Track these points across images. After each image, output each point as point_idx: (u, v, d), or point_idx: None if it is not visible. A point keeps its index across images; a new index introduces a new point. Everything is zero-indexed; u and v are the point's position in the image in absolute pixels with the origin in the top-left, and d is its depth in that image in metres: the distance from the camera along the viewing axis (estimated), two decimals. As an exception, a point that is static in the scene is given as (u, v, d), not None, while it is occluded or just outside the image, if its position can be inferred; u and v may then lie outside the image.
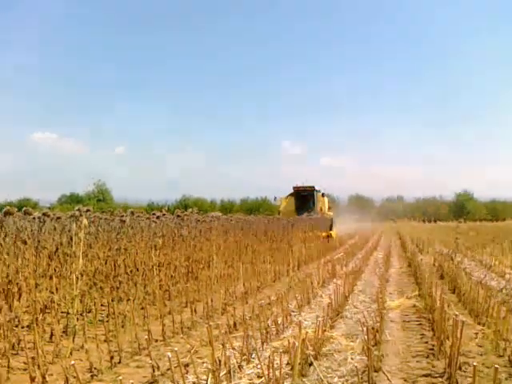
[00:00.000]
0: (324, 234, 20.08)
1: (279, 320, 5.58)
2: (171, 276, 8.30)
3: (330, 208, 26.58)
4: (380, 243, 21.56)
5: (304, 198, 23.98)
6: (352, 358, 4.48)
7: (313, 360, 4.31)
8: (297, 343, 4.00)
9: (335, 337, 5.09)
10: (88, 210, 8.00)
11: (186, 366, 4.26)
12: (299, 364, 3.99)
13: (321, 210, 24.20)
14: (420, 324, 5.91)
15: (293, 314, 6.25)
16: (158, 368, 4.21)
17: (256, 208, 58.07)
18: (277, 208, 26.23)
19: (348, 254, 13.81)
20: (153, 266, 8.05)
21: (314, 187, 23.91)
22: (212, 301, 6.69)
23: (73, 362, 3.60)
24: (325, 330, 5.00)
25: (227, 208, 57.64)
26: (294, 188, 24.22)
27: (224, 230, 12.52)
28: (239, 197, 65.42)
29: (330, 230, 21.65)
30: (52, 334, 5.19)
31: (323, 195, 24.60)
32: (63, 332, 5.39)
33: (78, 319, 5.58)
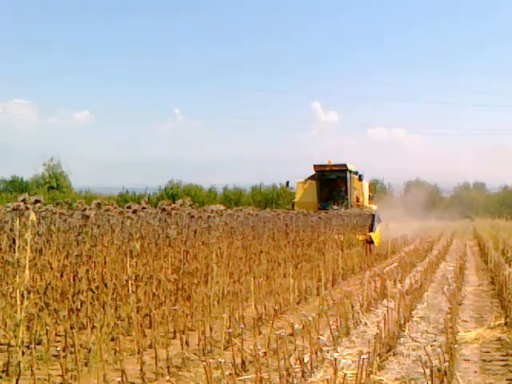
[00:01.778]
0: (361, 237, 19.51)
1: (306, 358, 5.60)
2: (153, 294, 8.35)
3: (371, 197, 25.78)
4: (450, 250, 21.54)
5: (331, 182, 23.32)
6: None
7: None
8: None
9: (384, 382, 5.10)
10: (37, 202, 8.05)
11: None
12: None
13: (357, 200, 23.51)
14: (506, 365, 5.90)
15: (325, 349, 6.27)
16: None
17: (273, 199, 58.13)
18: (290, 197, 25.78)
19: (404, 264, 13.79)
20: (127, 281, 8.10)
21: (346, 166, 22.90)
22: (211, 330, 6.73)
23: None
24: (371, 373, 5.02)
25: (232, 199, 57.83)
26: (315, 168, 23.31)
27: (228, 229, 12.56)
28: (249, 183, 65.53)
29: (370, 231, 20.87)
30: (-13, 375, 5.27)
31: (361, 178, 23.39)
32: (3, 371, 5.46)
33: (23, 353, 5.64)
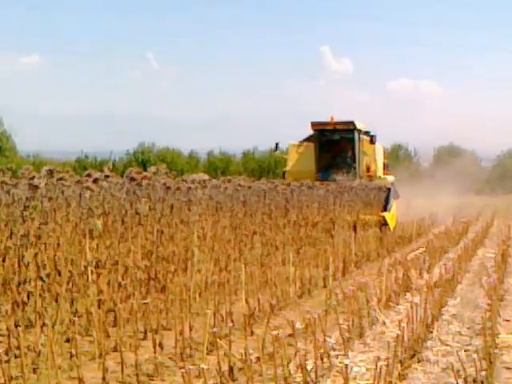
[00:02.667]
0: (371, 217, 19.24)
1: (309, 364, 5.63)
2: (119, 285, 8.37)
3: (387, 166, 25.14)
4: (490, 233, 21.64)
5: (334, 145, 22.59)
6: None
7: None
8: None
9: (408, 394, 5.14)
10: (-28, 168, 8.04)
11: None
12: None
13: (367, 169, 22.82)
14: (558, 375, 5.94)
15: (333, 353, 6.30)
16: None
17: (269, 167, 58.11)
18: (281, 164, 24.84)
19: (432, 250, 13.85)
20: (86, 268, 8.11)
21: (353, 124, 22.06)
22: (191, 329, 6.75)
23: None
24: (390, 383, 5.05)
25: (218, 167, 57.86)
26: (313, 126, 22.58)
27: (213, 205, 12.56)
28: (240, 148, 65.41)
29: (384, 210, 20.33)
30: None
31: (373, 140, 22.59)
32: None
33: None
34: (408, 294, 9.49)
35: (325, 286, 10.26)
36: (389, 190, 21.14)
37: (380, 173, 23.38)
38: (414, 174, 35.85)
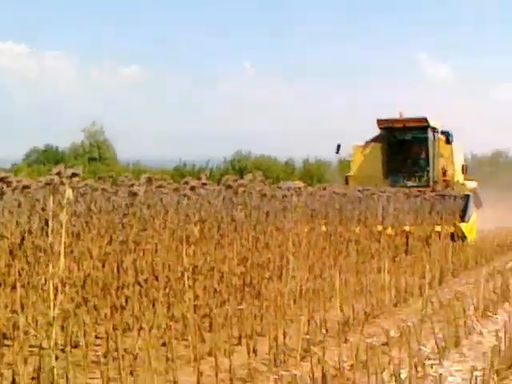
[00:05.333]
0: (445, 229, 16.82)
1: (403, 373, 5.58)
2: (215, 290, 8.45)
3: (465, 169, 21.93)
4: None
5: (404, 146, 20.48)
6: None
7: None
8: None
9: (504, 406, 5.05)
10: (74, 175, 8.21)
11: None
12: None
13: (444, 173, 20.36)
14: None
15: (428, 362, 6.23)
16: None
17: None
18: (343, 168, 22.53)
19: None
20: (183, 273, 8.22)
21: (426, 120, 19.93)
22: (285, 335, 6.76)
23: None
24: (486, 394, 4.97)
25: (315, 174, 57.63)
26: (379, 123, 20.46)
27: (308, 212, 12.57)
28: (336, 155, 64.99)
29: (462, 220, 17.92)
30: (13, 382, 5.45)
31: (449, 140, 20.50)
32: (33, 379, 5.64)
33: (57, 358, 5.81)
34: (506, 303, 9.29)
35: (421, 295, 10.12)
36: (467, 197, 18.86)
37: (459, 177, 20.99)
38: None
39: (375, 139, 20.86)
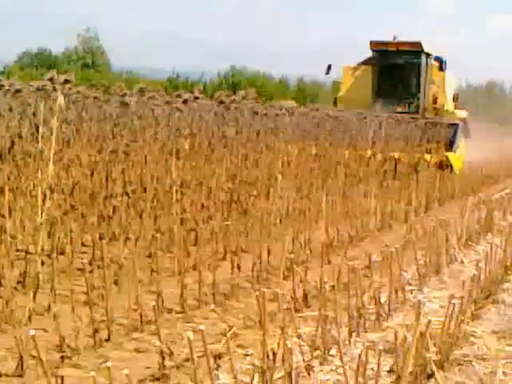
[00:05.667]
0: (433, 158, 16.49)
1: (383, 297, 5.66)
2: (202, 205, 8.50)
3: (456, 98, 21.40)
4: None
5: (396, 70, 19.76)
6: (504, 373, 4.53)
7: (435, 369, 4.38)
8: (410, 338, 4.07)
9: (479, 334, 5.13)
10: (67, 82, 8.13)
11: (217, 357, 4.46)
12: (410, 374, 4.08)
13: (434, 101, 19.99)
14: None
15: (408, 288, 6.32)
16: (171, 355, 4.43)
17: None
18: (332, 89, 21.73)
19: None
20: (171, 186, 8.24)
21: (420, 45, 19.33)
22: (269, 253, 6.84)
23: (32, 333, 3.83)
24: (462, 322, 5.04)
25: (308, 95, 57.22)
26: (372, 45, 19.83)
27: (300, 133, 12.56)
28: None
29: (450, 150, 17.33)
30: (0, 285, 5.51)
31: (442, 67, 19.99)
32: (18, 283, 5.71)
33: (43, 263, 5.87)
34: (489, 234, 9.36)
35: (405, 221, 10.20)
36: (456, 126, 18.11)
37: (449, 106, 20.40)
38: (510, 114, 34.57)
39: (367, 61, 20.41)
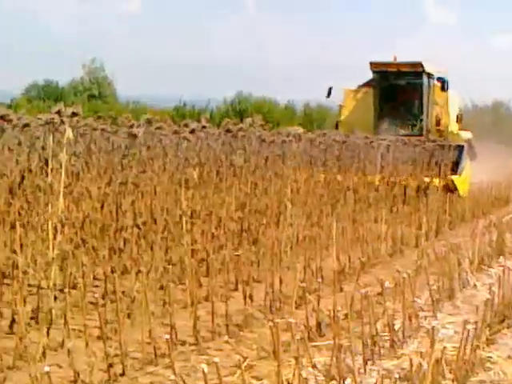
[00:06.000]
0: (438, 181, 15.93)
1: (397, 323, 5.64)
2: (212, 235, 8.49)
3: (460, 119, 20.83)
4: None
5: (398, 91, 19.36)
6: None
7: (452, 397, 4.38)
8: (425, 365, 4.06)
9: (494, 360, 5.10)
10: (75, 114, 8.16)
11: (232, 388, 4.45)
12: (427, 402, 4.06)
13: (438, 123, 19.48)
14: None
15: (422, 314, 6.29)
16: (186, 388, 4.42)
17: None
18: (336, 112, 21.17)
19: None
20: (181, 217, 8.25)
21: (421, 65, 18.81)
22: (281, 282, 6.82)
23: (47, 369, 3.83)
24: (477, 348, 5.03)
25: (315, 120, 57.30)
26: (372, 66, 19.31)
27: (307, 159, 12.56)
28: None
29: (454, 172, 16.81)
30: (13, 321, 5.51)
31: (444, 87, 19.38)
32: (31, 319, 5.70)
33: (55, 298, 5.88)
34: (501, 257, 9.33)
35: (416, 246, 10.19)
36: (461, 148, 17.50)
37: (453, 127, 19.95)
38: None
39: (368, 84, 20.04)
